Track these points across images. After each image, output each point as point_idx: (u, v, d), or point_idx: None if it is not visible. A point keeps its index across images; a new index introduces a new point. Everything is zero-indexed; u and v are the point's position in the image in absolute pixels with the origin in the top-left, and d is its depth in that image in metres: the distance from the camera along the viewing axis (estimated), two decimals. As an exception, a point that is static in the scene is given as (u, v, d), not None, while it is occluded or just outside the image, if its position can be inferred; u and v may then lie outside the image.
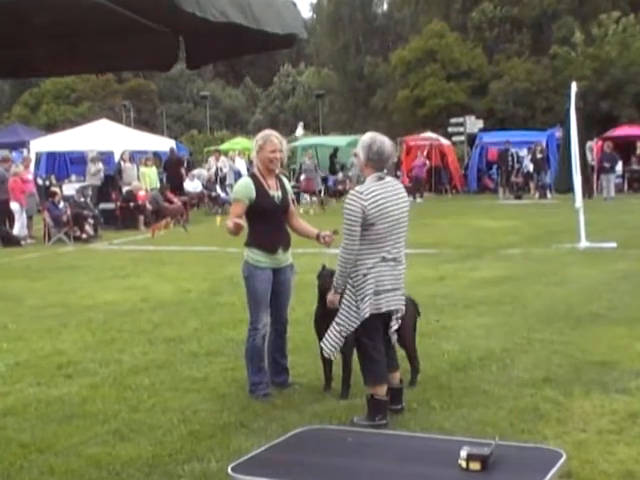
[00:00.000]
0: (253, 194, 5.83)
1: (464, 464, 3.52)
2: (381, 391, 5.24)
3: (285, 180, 6.16)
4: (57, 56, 4.38)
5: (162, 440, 5.10)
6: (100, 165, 22.86)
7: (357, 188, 5.23)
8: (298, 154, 31.48)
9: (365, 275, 5.11)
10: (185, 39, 4.15)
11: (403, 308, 5.35)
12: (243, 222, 5.73)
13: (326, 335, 5.32)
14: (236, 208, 5.90)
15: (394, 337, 5.42)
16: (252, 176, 6.01)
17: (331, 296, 5.36)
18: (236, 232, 5.68)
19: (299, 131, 34.74)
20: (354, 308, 5.17)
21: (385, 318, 5.27)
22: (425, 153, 29.98)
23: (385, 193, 5.16)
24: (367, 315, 5.12)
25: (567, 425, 5.14)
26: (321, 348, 5.44)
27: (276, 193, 5.93)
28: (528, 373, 6.31)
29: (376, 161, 5.20)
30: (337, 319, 5.24)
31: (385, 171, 5.28)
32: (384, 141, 5.24)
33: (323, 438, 4.12)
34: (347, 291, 5.21)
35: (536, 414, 5.35)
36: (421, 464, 3.65)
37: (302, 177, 26.41)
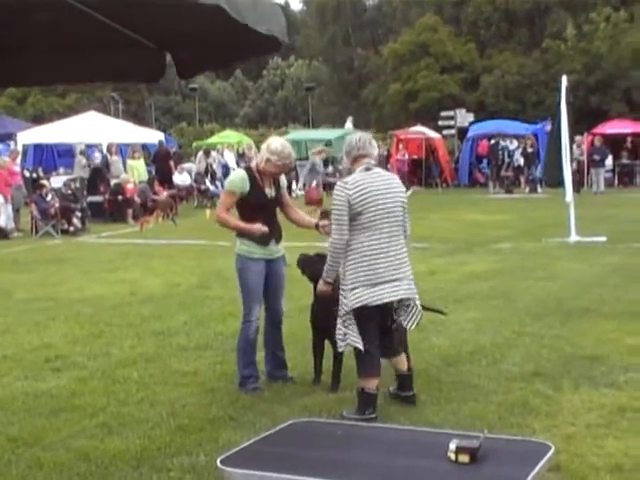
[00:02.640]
0: (247, 188, 5.84)
1: (453, 457, 3.55)
2: (372, 384, 5.26)
3: (281, 176, 6.15)
4: (44, 67, 4.41)
5: (151, 434, 5.10)
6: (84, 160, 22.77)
7: (343, 179, 5.32)
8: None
9: (356, 265, 5.14)
10: (173, 52, 4.20)
11: (414, 296, 5.31)
12: (265, 228, 5.75)
13: (336, 332, 5.30)
14: (227, 198, 5.92)
15: (407, 323, 5.36)
16: (248, 169, 6.01)
17: (321, 286, 5.41)
18: (259, 234, 5.72)
19: (348, 125, 34.45)
20: (344, 299, 5.19)
21: (386, 309, 5.27)
22: (422, 146, 30.03)
23: (372, 182, 5.19)
24: (356, 306, 5.13)
25: (556, 419, 5.17)
26: (334, 345, 5.45)
27: (269, 190, 5.95)
28: (518, 367, 6.34)
29: (360, 151, 5.26)
30: (339, 311, 5.26)
31: (373, 162, 5.33)
32: (360, 135, 5.43)
33: (312, 431, 4.14)
34: (342, 281, 5.24)
35: (525, 408, 5.38)
36: (410, 457, 3.68)
37: (309, 182, 22.21)
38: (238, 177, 5.97)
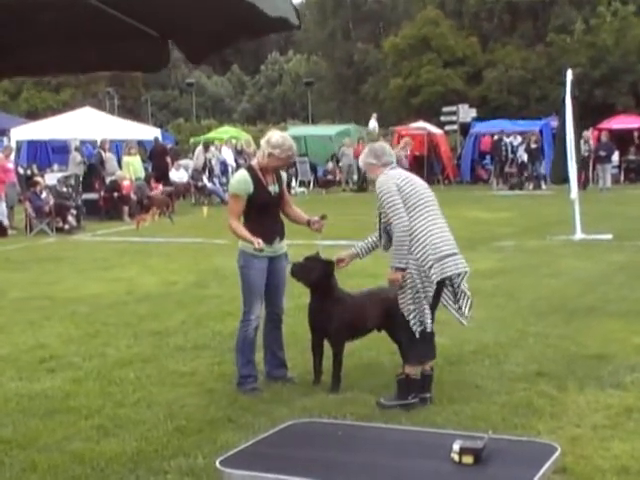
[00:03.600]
0: (251, 189, 5.84)
1: (457, 458, 3.55)
2: (418, 370, 5.53)
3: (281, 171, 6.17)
4: (44, 57, 4.40)
5: (147, 436, 5.10)
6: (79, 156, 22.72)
7: (383, 174, 5.60)
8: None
9: (424, 244, 5.39)
10: (179, 38, 4.18)
11: (467, 270, 5.58)
12: (262, 244, 5.72)
13: (414, 316, 5.45)
14: (235, 205, 5.91)
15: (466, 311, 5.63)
16: (249, 169, 5.99)
17: (392, 274, 5.49)
18: (257, 248, 5.71)
19: (372, 123, 34.34)
20: (423, 277, 5.39)
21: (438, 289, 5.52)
22: (424, 142, 30.02)
23: (407, 173, 5.77)
24: (438, 279, 5.40)
25: (561, 420, 5.17)
26: (409, 330, 5.51)
27: (273, 187, 5.96)
28: (521, 367, 6.34)
29: (390, 157, 5.72)
30: (415, 295, 5.41)
31: (393, 164, 5.74)
32: (380, 144, 6.09)
33: (312, 432, 4.14)
34: (411, 266, 5.40)
35: (529, 409, 5.38)
36: (413, 458, 3.68)
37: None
38: (241, 179, 5.94)
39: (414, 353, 5.57)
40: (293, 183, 26.04)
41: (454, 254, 5.52)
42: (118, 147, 25.14)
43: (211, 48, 4.37)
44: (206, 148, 26.54)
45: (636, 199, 21.57)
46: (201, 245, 14.52)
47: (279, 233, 6.00)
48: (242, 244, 5.93)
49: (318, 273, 5.86)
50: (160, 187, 21.85)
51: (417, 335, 5.47)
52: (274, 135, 5.91)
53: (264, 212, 5.90)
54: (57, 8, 3.62)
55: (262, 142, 5.99)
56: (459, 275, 5.55)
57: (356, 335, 6.14)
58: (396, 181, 5.52)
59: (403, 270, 5.44)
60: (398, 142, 30.25)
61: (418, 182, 5.67)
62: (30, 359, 7.04)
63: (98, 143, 24.25)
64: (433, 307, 5.57)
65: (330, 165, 30.42)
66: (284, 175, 6.20)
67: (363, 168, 6.03)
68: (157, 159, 24.76)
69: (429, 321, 5.47)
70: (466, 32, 45.05)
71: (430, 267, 5.39)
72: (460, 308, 5.65)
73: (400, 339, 5.95)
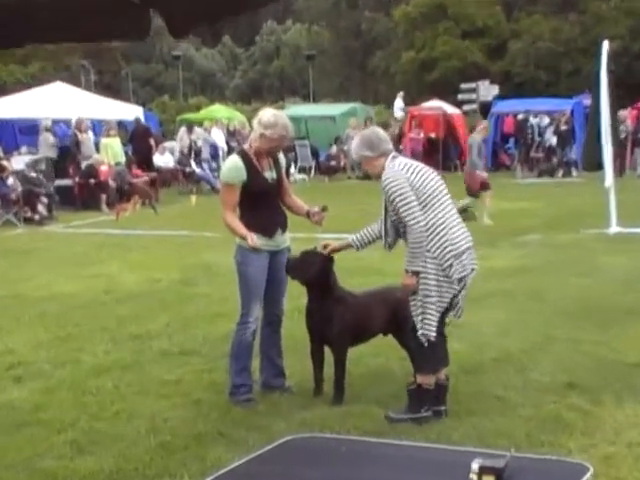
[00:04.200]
0: (244, 176, 5.83)
1: (476, 478, 3.55)
2: (432, 380, 5.54)
3: (279, 155, 6.15)
4: (22, 26, 4.40)
5: (127, 453, 5.10)
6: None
7: (389, 167, 5.54)
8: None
9: (441, 240, 5.40)
10: (162, 9, 4.18)
11: (476, 267, 5.63)
12: (258, 242, 5.75)
13: (420, 322, 5.46)
14: (228, 195, 5.90)
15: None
16: (242, 154, 5.98)
17: (407, 279, 5.47)
18: (251, 244, 5.74)
19: (399, 105, 34.20)
20: (441, 277, 5.39)
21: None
22: (440, 123, 30.00)
23: (413, 162, 5.70)
24: (460, 276, 5.43)
25: (594, 437, 5.16)
26: (419, 338, 5.52)
27: (270, 173, 5.94)
28: (549, 377, 6.34)
29: (388, 145, 5.66)
30: (424, 299, 5.43)
31: (393, 153, 5.67)
32: (372, 129, 5.95)
33: (313, 448, 4.14)
34: (428, 265, 5.39)
35: (558, 424, 5.37)
36: (427, 477, 3.68)
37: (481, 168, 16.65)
38: (232, 165, 5.93)
39: (427, 361, 5.57)
40: (292, 169, 26.02)
41: (470, 247, 5.55)
42: (96, 128, 25.09)
43: (194, 21, 4.38)
44: (190, 129, 26.50)
45: (679, 188, 21.54)
46: (188, 238, 14.52)
47: (281, 225, 6.00)
48: (240, 238, 5.92)
49: (316, 270, 5.85)
50: (142, 173, 21.83)
51: (425, 345, 5.49)
52: (265, 114, 5.90)
53: (262, 202, 5.89)
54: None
55: (254, 122, 5.98)
56: (473, 271, 5.59)
57: (359, 340, 6.14)
58: (405, 174, 5.47)
59: (419, 274, 5.43)
60: (410, 124, 30.30)
61: (426, 170, 5.61)
62: (-5, 366, 7.05)
63: (72, 123, 24.23)
64: (447, 310, 5.59)
65: (334, 149, 30.39)
66: (283, 160, 6.18)
67: (357, 161, 5.99)
68: (139, 141, 24.73)
69: (433, 331, 5.45)
70: (489, -2, 45.03)
71: (450, 265, 5.40)
72: (457, 310, 5.65)
73: (410, 344, 5.96)
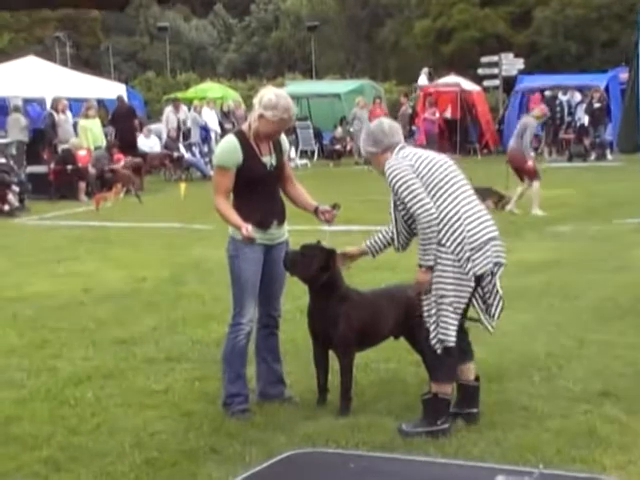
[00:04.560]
0: (240, 159, 5.83)
1: (499, 498, 3.54)
2: (449, 389, 5.57)
3: (282, 137, 6.15)
4: None
5: (109, 470, 5.11)
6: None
7: (394, 157, 5.61)
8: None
9: (459, 231, 5.40)
10: None
11: (504, 260, 5.63)
12: (254, 233, 5.75)
13: (436, 327, 5.48)
14: (220, 178, 5.89)
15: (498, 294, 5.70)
16: (239, 134, 5.97)
17: (422, 275, 5.49)
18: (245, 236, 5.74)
19: (423, 80, 34.08)
20: (458, 274, 5.40)
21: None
22: (457, 102, 30.01)
23: (420, 150, 5.78)
24: (480, 272, 5.44)
25: (632, 452, 5.16)
26: (433, 344, 5.53)
27: (269, 158, 5.94)
28: (581, 385, 6.34)
29: (388, 137, 5.68)
30: (440, 300, 5.44)
31: (401, 144, 5.73)
32: (379, 122, 5.92)
33: (317, 464, 4.13)
34: (443, 261, 5.41)
35: (592, 438, 5.37)
36: (443, 498, 3.67)
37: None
38: (228, 147, 5.92)
39: (443, 368, 5.58)
40: (293, 153, 26.03)
41: (494, 238, 5.54)
42: (72, 107, 25.08)
43: None
44: (176, 107, 26.46)
45: None
46: (177, 231, 14.54)
47: (278, 216, 6.00)
48: (232, 229, 5.92)
49: (318, 265, 5.86)
50: (124, 158, 21.80)
51: (439, 352, 5.51)
52: (267, 93, 5.89)
53: (258, 189, 5.89)
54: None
55: (254, 101, 5.98)
56: (498, 265, 5.58)
57: (367, 343, 6.15)
58: (409, 162, 5.52)
59: (433, 270, 5.46)
60: (424, 102, 30.27)
61: (434, 157, 5.66)
62: (-38, 374, 7.06)
63: (47, 103, 24.22)
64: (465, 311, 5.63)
65: (339, 131, 30.42)
66: (286, 144, 6.17)
67: (366, 157, 6.06)
68: (122, 123, 24.72)
69: (451, 336, 5.47)
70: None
71: (468, 259, 5.40)
72: (489, 308, 5.68)
73: (424, 349, 5.97)
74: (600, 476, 4.33)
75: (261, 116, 5.82)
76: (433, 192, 5.45)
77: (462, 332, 5.69)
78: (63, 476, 5.07)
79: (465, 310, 5.63)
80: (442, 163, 5.60)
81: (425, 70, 34.97)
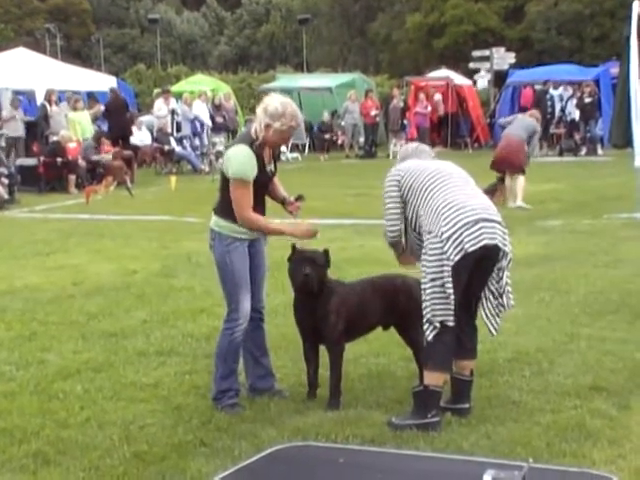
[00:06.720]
0: (256, 169, 5.79)
1: (489, 492, 3.55)
2: (441, 380, 5.56)
3: None
4: None
5: (99, 464, 5.09)
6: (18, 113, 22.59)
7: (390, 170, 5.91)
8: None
9: (445, 216, 5.46)
10: None
11: (508, 247, 5.65)
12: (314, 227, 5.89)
13: (425, 308, 5.49)
14: (244, 191, 5.75)
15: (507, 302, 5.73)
16: (250, 144, 5.85)
17: (403, 258, 5.93)
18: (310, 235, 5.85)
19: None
20: (439, 250, 5.43)
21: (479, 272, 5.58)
22: (449, 96, 30.03)
23: (421, 162, 5.98)
24: (472, 248, 5.41)
25: (622, 447, 5.16)
26: (425, 328, 5.56)
27: (270, 166, 5.96)
28: (571, 379, 6.35)
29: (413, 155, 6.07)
30: (424, 279, 5.49)
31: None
32: (415, 145, 6.40)
33: (306, 458, 4.14)
34: (428, 244, 5.49)
35: (582, 432, 5.37)
36: (433, 492, 3.68)
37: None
38: (246, 159, 5.78)
39: (435, 357, 5.57)
40: (283, 147, 26.01)
41: (487, 220, 5.56)
42: (61, 100, 25.01)
43: None
44: (166, 97, 26.33)
45: None
46: (168, 224, 14.52)
47: (263, 213, 6.00)
48: (220, 225, 5.88)
49: (327, 268, 5.95)
50: (112, 149, 21.68)
51: (429, 338, 5.51)
52: (272, 102, 5.80)
53: (257, 194, 5.86)
54: None
55: (258, 110, 5.89)
56: (502, 254, 5.58)
57: (356, 333, 6.15)
58: (396, 177, 5.79)
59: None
60: (415, 97, 30.26)
61: (420, 164, 5.87)
62: (-50, 367, 7.04)
63: (36, 95, 24.16)
64: (470, 317, 5.71)
65: (325, 116, 30.45)
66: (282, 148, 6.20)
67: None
68: (115, 116, 24.58)
69: (439, 318, 5.46)
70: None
71: (459, 235, 5.41)
72: (500, 304, 5.72)
73: (414, 340, 5.97)
74: (590, 470, 4.34)
75: (268, 126, 5.75)
76: (420, 194, 5.63)
77: (472, 329, 5.77)
78: (52, 470, 5.05)
79: (474, 307, 5.70)
80: (427, 166, 5.83)
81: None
